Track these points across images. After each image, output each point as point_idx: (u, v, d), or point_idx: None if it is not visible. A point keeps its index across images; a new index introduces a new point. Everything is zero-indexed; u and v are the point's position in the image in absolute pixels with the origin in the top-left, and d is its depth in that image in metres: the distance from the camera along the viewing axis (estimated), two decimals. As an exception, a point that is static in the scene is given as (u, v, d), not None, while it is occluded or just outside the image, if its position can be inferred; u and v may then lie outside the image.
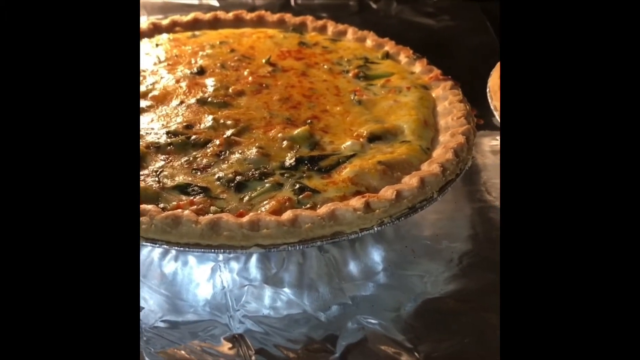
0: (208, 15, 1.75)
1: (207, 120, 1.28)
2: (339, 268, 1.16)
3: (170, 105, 1.34)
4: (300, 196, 1.08)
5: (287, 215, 1.03)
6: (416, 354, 1.01)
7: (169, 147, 1.19)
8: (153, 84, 1.41)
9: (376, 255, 1.20)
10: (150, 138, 1.21)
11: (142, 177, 1.11)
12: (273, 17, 1.76)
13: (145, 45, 1.59)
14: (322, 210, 1.04)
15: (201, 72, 1.46)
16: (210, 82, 1.42)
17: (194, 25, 1.73)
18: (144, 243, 1.00)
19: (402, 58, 1.56)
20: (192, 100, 1.35)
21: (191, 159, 1.17)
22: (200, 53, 1.55)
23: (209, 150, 1.19)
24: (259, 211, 1.05)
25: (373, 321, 1.06)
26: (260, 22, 1.75)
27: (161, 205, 1.06)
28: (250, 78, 1.44)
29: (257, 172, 1.14)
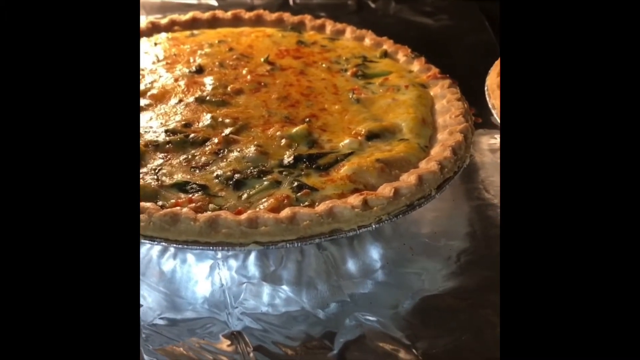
0: (207, 15, 1.76)
1: (206, 119, 1.28)
2: (338, 266, 1.16)
3: (168, 104, 1.34)
4: (299, 194, 1.08)
5: (286, 212, 1.03)
6: (414, 350, 1.01)
7: (167, 146, 1.20)
8: (152, 82, 1.41)
9: (374, 253, 1.20)
10: (149, 136, 1.22)
11: (140, 175, 1.11)
12: (271, 16, 1.76)
13: (144, 44, 1.59)
14: (320, 207, 1.05)
15: (200, 70, 1.47)
16: (208, 81, 1.42)
17: (193, 24, 1.73)
18: (143, 240, 1.01)
19: (401, 57, 1.56)
20: (191, 99, 1.35)
21: (190, 157, 1.18)
22: (199, 52, 1.55)
23: (207, 149, 1.20)
24: (258, 209, 1.06)
25: (371, 318, 1.06)
26: (258, 21, 1.76)
27: (160, 203, 1.06)
28: (248, 77, 1.45)
29: (255, 170, 1.14)
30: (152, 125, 1.26)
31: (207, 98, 1.35)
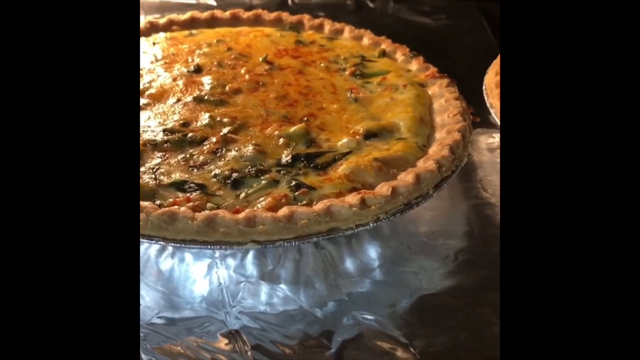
0: (205, 14, 1.76)
1: (204, 118, 1.28)
2: (335, 264, 1.16)
3: (167, 103, 1.34)
4: (297, 193, 1.09)
5: (283, 211, 1.03)
6: (412, 349, 1.01)
7: (165, 145, 1.20)
8: (150, 82, 1.41)
9: (372, 252, 1.20)
10: (147, 136, 1.22)
11: (138, 174, 1.12)
12: (270, 15, 1.77)
13: (142, 43, 1.59)
14: (318, 206, 1.05)
15: (198, 70, 1.47)
16: (207, 80, 1.42)
17: (191, 24, 1.73)
18: (141, 239, 1.01)
19: (399, 56, 1.57)
20: (189, 98, 1.35)
21: (188, 156, 1.18)
22: (197, 51, 1.55)
23: (205, 148, 1.20)
24: (255, 208, 1.06)
25: (369, 317, 1.06)
26: (257, 21, 1.76)
27: (158, 202, 1.06)
28: (247, 76, 1.45)
29: (253, 169, 1.14)
30: (150, 124, 1.26)
31: (206, 97, 1.36)
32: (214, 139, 1.21)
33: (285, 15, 1.76)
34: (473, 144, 1.46)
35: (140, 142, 1.19)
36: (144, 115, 1.29)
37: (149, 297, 1.09)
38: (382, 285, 1.14)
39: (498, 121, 1.36)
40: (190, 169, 1.15)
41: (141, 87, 1.39)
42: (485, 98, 1.42)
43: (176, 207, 1.03)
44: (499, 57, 1.55)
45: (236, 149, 1.20)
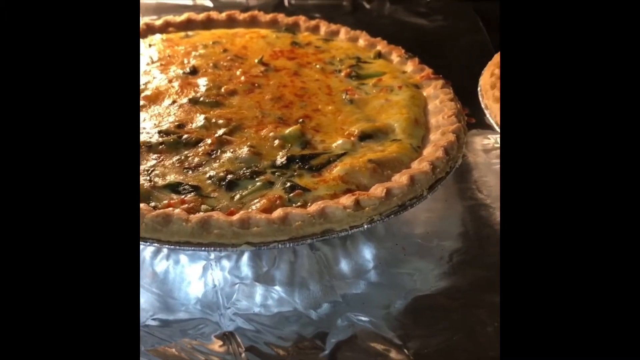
0: (201, 16, 1.76)
1: (199, 120, 1.28)
2: (330, 266, 1.16)
3: (162, 105, 1.34)
4: (291, 194, 1.09)
5: (278, 213, 1.03)
6: (406, 350, 1.01)
7: (160, 147, 1.20)
8: (145, 83, 1.41)
9: (367, 253, 1.20)
10: (142, 137, 1.22)
11: (133, 176, 1.12)
12: (266, 17, 1.77)
13: (138, 45, 1.59)
14: (313, 208, 1.05)
15: (194, 72, 1.47)
16: (202, 82, 1.42)
17: (187, 25, 1.73)
18: (135, 241, 1.01)
19: (394, 57, 1.57)
20: (184, 100, 1.35)
21: (183, 158, 1.18)
22: (193, 53, 1.55)
23: (200, 150, 1.20)
24: (250, 209, 1.06)
25: (363, 318, 1.06)
26: (253, 22, 1.76)
27: (152, 204, 1.06)
28: (242, 78, 1.45)
29: (248, 171, 1.14)
30: (145, 126, 1.26)
31: (201, 99, 1.36)
32: (209, 141, 1.21)
33: (281, 17, 1.76)
34: (468, 145, 1.46)
35: (135, 144, 1.19)
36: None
37: (143, 299, 1.09)
38: (377, 287, 1.14)
39: (493, 122, 1.36)
40: (185, 170, 1.15)
41: (137, 88, 1.39)
42: (481, 99, 1.43)
43: (171, 209, 1.03)
44: (494, 58, 1.56)
45: (231, 150, 1.20)
